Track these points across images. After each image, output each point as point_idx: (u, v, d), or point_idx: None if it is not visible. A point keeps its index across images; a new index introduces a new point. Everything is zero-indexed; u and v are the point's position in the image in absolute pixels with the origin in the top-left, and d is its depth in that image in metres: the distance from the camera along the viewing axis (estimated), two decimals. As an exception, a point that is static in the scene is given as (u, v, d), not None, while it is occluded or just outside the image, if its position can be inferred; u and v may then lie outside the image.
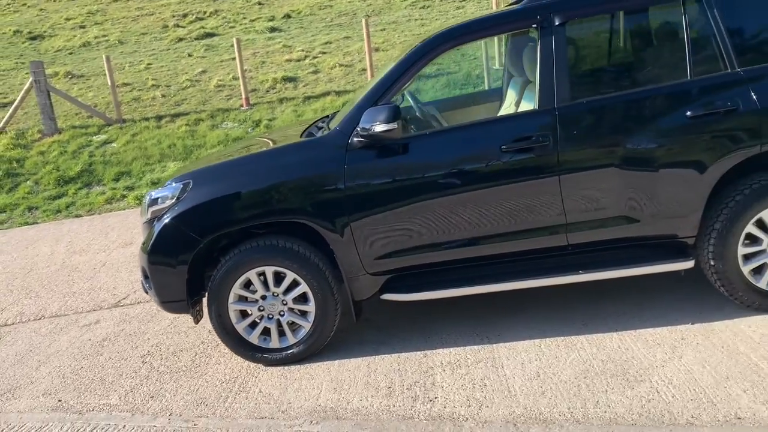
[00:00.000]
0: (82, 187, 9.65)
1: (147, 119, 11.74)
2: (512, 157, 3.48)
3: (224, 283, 3.68)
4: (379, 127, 3.41)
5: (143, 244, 3.82)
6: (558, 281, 3.61)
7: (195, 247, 3.65)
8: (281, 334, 3.80)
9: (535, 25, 3.54)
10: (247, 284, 3.73)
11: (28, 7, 23.32)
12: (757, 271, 3.56)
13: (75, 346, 4.55)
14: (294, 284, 3.69)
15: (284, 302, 3.73)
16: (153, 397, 3.68)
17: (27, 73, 12.78)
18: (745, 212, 3.43)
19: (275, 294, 3.73)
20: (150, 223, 3.84)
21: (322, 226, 3.60)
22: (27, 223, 8.69)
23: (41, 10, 22.77)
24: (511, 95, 4.47)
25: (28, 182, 9.95)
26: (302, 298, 3.73)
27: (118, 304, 5.26)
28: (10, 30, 20.13)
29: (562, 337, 3.66)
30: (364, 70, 12.07)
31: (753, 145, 3.36)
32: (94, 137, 11.28)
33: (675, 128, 3.39)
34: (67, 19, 20.88)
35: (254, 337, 3.80)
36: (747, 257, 3.52)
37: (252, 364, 3.87)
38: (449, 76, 10.96)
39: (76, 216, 8.74)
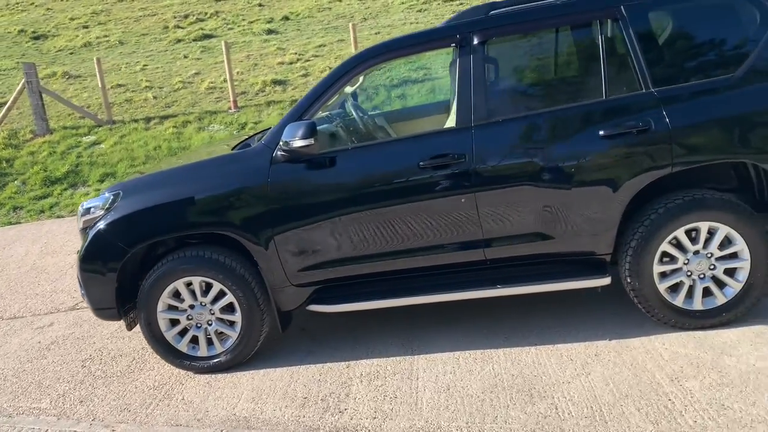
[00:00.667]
0: (68, 187, 9.80)
1: (136, 121, 11.90)
2: (430, 174, 3.53)
3: (153, 292, 3.78)
4: (297, 143, 3.49)
5: (77, 252, 3.92)
6: (475, 295, 3.67)
7: (123, 256, 3.75)
8: (209, 342, 3.89)
9: (454, 44, 3.59)
10: (176, 293, 3.82)
11: (36, 6, 23.63)
12: (674, 289, 3.60)
13: (23, 348, 4.67)
14: (221, 294, 3.78)
15: (212, 312, 3.82)
16: (82, 401, 3.79)
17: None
18: (660, 231, 3.46)
19: (203, 303, 3.82)
20: (83, 231, 3.94)
21: (246, 239, 3.68)
22: (10, 223, 8.86)
23: (48, 9, 23.06)
24: (452, 109, 4.53)
25: (15, 182, 10.13)
26: (229, 308, 3.82)
27: (75, 307, 5.37)
28: (15, 29, 20.42)
29: (481, 351, 3.72)
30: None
31: (664, 165, 3.40)
32: (83, 138, 11.45)
33: (588, 147, 3.43)
34: (72, 19, 21.14)
35: (183, 345, 3.89)
36: (663, 275, 3.56)
37: (183, 372, 3.96)
38: (435, 82, 11.00)
39: (58, 217, 8.90)
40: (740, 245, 3.47)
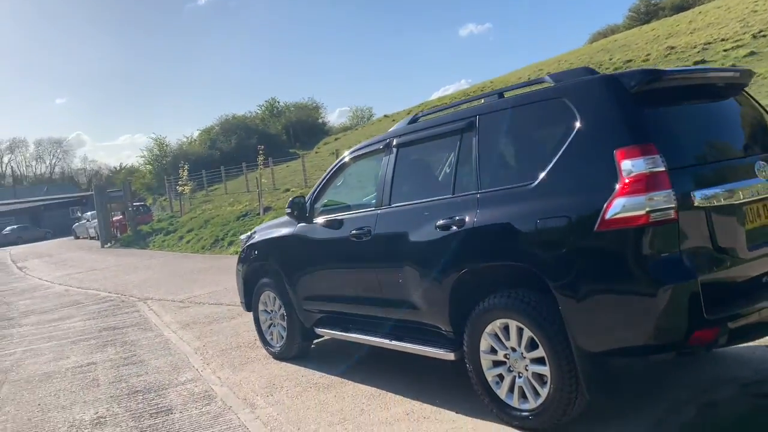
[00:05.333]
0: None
1: None
2: (354, 241, 4.68)
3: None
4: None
5: None
6: (379, 344, 4.58)
7: None
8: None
9: (383, 148, 4.65)
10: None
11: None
12: (501, 379, 3.75)
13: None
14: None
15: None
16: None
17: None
18: (481, 322, 3.75)
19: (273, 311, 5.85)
20: None
21: None
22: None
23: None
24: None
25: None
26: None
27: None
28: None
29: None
30: None
31: (465, 261, 3.73)
32: None
33: (428, 236, 4.02)
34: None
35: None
36: (493, 363, 3.77)
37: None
38: None
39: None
40: (541, 350, 3.46)
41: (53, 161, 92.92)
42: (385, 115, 44.34)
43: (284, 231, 5.58)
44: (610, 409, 3.68)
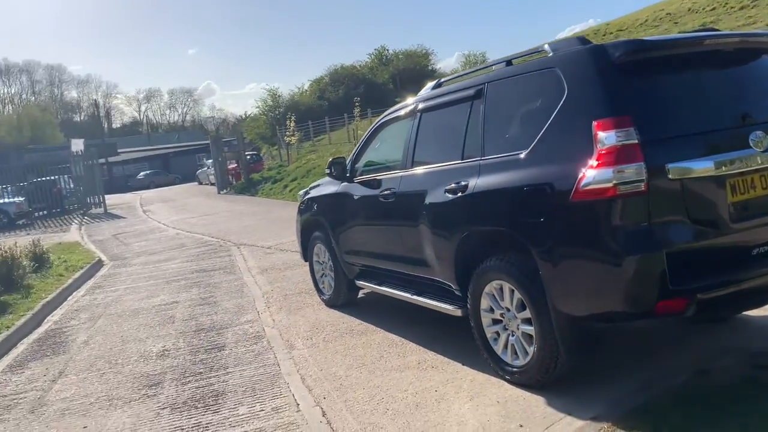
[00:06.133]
0: None
1: None
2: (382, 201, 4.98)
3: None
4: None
5: None
6: (403, 297, 4.91)
7: None
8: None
9: (409, 112, 4.86)
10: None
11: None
12: (498, 336, 3.98)
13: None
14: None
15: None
16: (282, 299, 6.91)
17: None
18: (480, 283, 3.98)
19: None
20: None
21: None
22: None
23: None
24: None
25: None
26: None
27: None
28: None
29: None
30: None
31: (467, 223, 3.93)
32: None
33: (438, 199, 4.24)
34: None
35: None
36: (492, 321, 4.01)
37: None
38: None
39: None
40: (528, 311, 3.65)
41: (184, 110, 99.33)
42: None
43: (331, 189, 5.97)
44: (599, 373, 3.81)
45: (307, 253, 6.68)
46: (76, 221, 22.13)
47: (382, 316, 5.71)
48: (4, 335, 6.37)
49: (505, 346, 3.92)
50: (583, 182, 3.17)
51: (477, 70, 4.54)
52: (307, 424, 3.74)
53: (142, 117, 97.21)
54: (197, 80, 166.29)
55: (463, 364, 4.30)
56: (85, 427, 4.08)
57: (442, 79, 4.83)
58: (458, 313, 4.29)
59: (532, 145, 3.55)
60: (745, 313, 4.41)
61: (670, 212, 3.14)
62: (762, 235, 3.35)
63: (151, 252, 12.51)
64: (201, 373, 4.83)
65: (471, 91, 4.18)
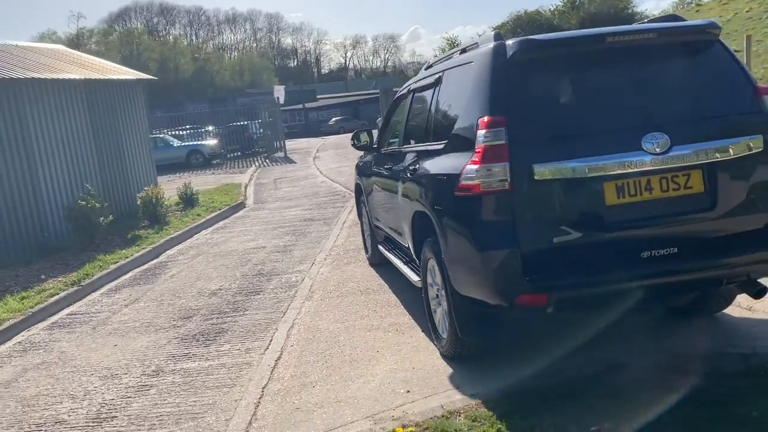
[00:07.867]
0: None
1: None
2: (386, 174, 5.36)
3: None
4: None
5: None
6: (396, 264, 5.31)
7: None
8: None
9: (407, 92, 5.12)
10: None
11: None
12: (436, 309, 4.27)
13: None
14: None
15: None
16: (341, 253, 7.59)
17: None
18: (424, 259, 4.28)
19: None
20: None
21: None
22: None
23: None
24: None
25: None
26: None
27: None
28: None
29: (396, 302, 5.37)
30: None
31: (417, 202, 4.21)
32: None
33: (404, 179, 4.54)
34: None
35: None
36: (433, 293, 4.31)
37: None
38: None
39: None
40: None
41: (387, 56, 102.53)
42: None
43: (367, 157, 6.43)
44: (518, 355, 3.97)
45: (360, 214, 7.25)
46: (256, 163, 24.70)
47: (403, 278, 6.12)
48: (119, 263, 7.88)
49: (440, 320, 4.21)
50: (462, 177, 3.35)
51: (449, 55, 4.66)
52: (258, 366, 4.40)
53: (348, 63, 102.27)
54: (404, 26, 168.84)
55: (422, 331, 4.65)
56: (115, 345, 5.17)
57: (431, 61, 5.01)
58: (419, 284, 4.61)
59: (449, 136, 3.74)
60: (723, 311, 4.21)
61: (537, 212, 3.19)
62: (641, 240, 3.25)
63: (288, 198, 13.85)
64: (225, 312, 5.72)
65: (433, 79, 4.39)
